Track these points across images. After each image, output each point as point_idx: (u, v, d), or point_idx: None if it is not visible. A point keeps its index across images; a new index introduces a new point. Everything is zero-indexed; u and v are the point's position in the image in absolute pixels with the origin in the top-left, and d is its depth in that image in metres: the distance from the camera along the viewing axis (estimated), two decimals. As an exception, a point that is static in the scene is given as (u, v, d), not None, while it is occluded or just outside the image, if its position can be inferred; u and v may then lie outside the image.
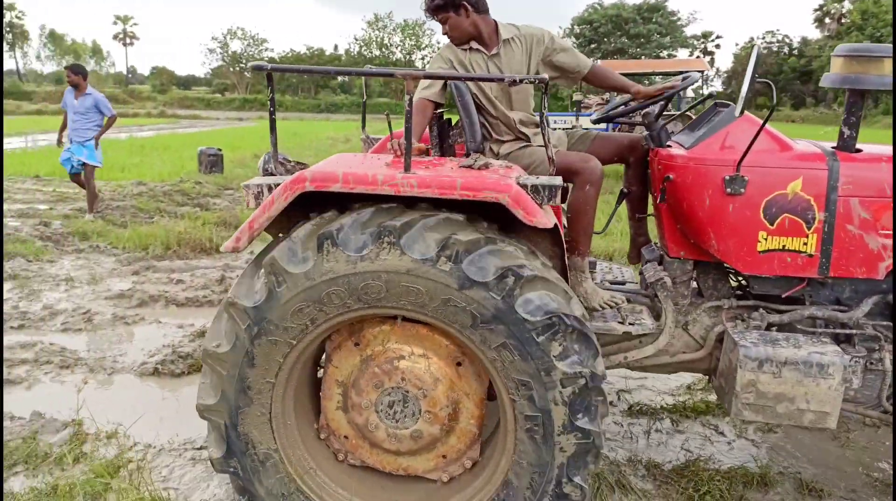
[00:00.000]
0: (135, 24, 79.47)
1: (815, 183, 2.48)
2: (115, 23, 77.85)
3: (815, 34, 56.10)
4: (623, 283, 3.10)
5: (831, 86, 2.53)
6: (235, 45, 70.27)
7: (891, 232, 2.48)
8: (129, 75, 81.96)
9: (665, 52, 59.46)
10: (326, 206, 2.21)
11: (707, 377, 3.02)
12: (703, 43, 64.08)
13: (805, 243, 2.52)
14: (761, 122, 2.67)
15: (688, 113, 9.32)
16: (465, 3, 2.81)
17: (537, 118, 2.93)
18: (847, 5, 49.46)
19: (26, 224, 7.97)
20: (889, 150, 2.70)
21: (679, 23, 55.03)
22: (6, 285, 5.70)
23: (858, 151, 2.61)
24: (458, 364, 2.28)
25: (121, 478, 2.89)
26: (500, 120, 2.83)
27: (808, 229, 2.50)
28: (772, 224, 2.52)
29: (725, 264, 2.72)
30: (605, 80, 3.06)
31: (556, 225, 2.35)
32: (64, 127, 8.55)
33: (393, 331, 2.27)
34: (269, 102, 2.22)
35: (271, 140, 2.28)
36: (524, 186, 2.14)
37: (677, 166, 2.58)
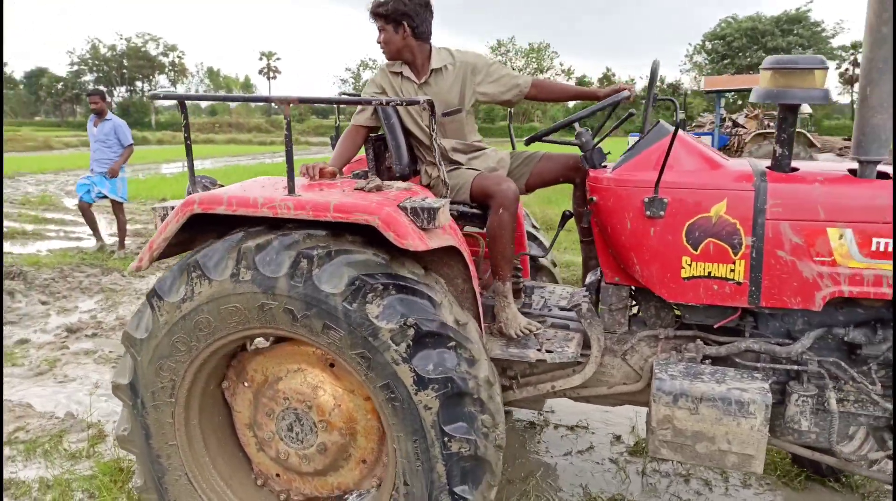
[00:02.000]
0: (278, 59, 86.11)
1: (741, 205, 2.31)
2: (260, 58, 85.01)
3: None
4: (571, 309, 3.00)
5: (759, 100, 2.35)
6: (367, 75, 74.28)
7: (827, 259, 2.25)
8: (272, 107, 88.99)
9: (808, 65, 55.01)
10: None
11: None
12: (852, 54, 58.80)
13: (732, 270, 2.35)
14: (693, 140, 2.55)
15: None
16: (405, 22, 2.76)
17: (474, 144, 2.95)
18: None
19: (136, 242, 8.94)
20: (827, 168, 2.46)
21: (824, 34, 51.07)
22: (94, 298, 6.44)
23: (795, 170, 2.40)
24: (332, 365, 2.34)
25: (117, 479, 3.18)
26: (431, 147, 2.87)
27: (735, 254, 2.33)
28: (695, 249, 2.37)
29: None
30: (552, 93, 3.01)
31: (460, 248, 2.38)
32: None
33: (267, 358, 2.39)
34: (186, 129, 2.43)
35: (188, 164, 2.50)
36: (405, 209, 2.19)
37: (600, 188, 2.50)
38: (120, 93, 73.50)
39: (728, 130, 15.71)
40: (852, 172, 2.35)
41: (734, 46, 51.63)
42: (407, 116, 2.81)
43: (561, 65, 73.31)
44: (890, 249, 2.20)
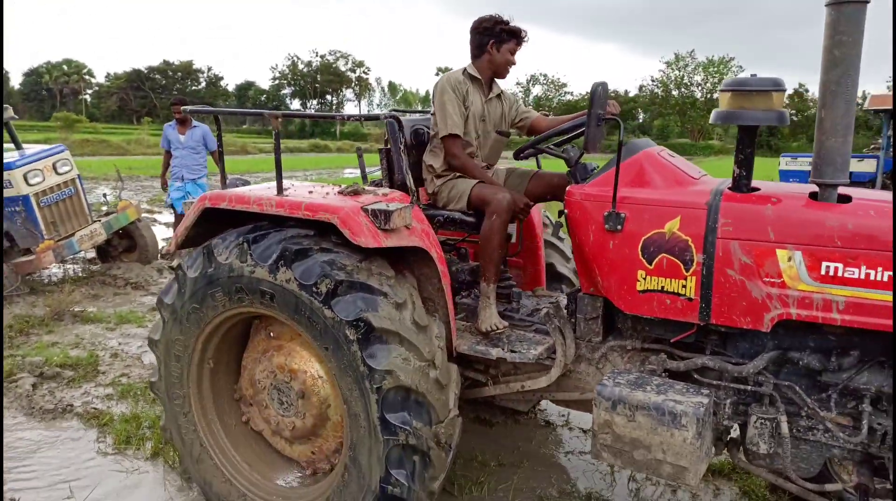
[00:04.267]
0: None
1: (693, 223, 2.36)
2: (436, 73, 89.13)
3: None
4: None
5: (716, 122, 2.37)
6: (537, 90, 74.94)
7: (776, 280, 2.23)
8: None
9: None
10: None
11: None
12: None
13: (684, 286, 2.39)
14: (664, 157, 2.62)
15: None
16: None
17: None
18: None
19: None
20: (790, 189, 2.40)
21: None
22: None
23: (755, 190, 2.38)
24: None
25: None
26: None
27: (687, 270, 2.38)
28: (650, 264, 2.45)
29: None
30: (540, 128, 3.23)
31: (429, 251, 2.67)
32: (167, 168, 7.75)
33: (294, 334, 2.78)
34: (219, 139, 3.01)
35: (219, 168, 3.06)
36: (366, 211, 2.53)
37: (571, 202, 2.65)
38: (312, 105, 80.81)
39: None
40: (813, 195, 2.29)
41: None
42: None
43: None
44: (841, 273, 2.14)
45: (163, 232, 10.00)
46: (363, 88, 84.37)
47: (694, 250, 2.35)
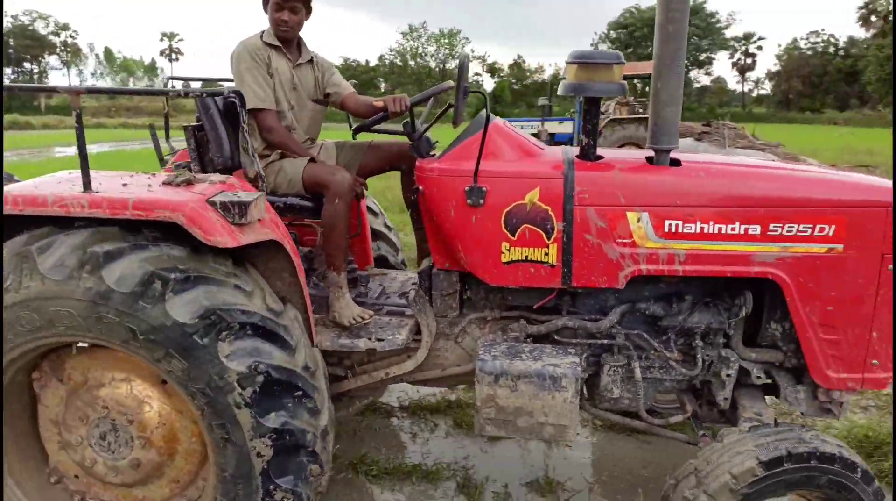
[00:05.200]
0: (180, 40, 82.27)
1: (552, 193, 2.45)
2: (161, 39, 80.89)
3: (860, 33, 53.84)
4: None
5: (564, 93, 2.49)
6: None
7: (628, 241, 2.42)
8: (171, 90, 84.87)
9: (704, 55, 58.09)
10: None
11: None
12: (744, 45, 62.30)
13: (546, 254, 2.49)
14: (511, 130, 2.66)
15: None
16: (310, 5, 2.89)
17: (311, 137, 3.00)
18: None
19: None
20: (628, 155, 2.65)
21: (718, 25, 53.73)
22: None
23: (599, 158, 2.56)
24: (164, 382, 2.29)
25: None
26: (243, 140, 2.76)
27: (549, 239, 2.47)
28: (513, 235, 2.49)
29: None
30: (356, 108, 3.07)
31: (283, 243, 2.39)
32: None
33: (92, 360, 2.31)
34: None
35: None
36: (214, 205, 2.18)
37: (426, 178, 2.57)
38: (8, 75, 68.14)
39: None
40: (649, 159, 2.53)
41: (636, 36, 53.51)
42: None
43: (472, 51, 73.69)
44: (681, 229, 2.39)
45: None
46: (73, 54, 73.36)
47: (554, 219, 2.45)
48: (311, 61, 3.05)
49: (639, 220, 2.41)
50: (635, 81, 20.02)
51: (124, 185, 2.28)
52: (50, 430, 2.43)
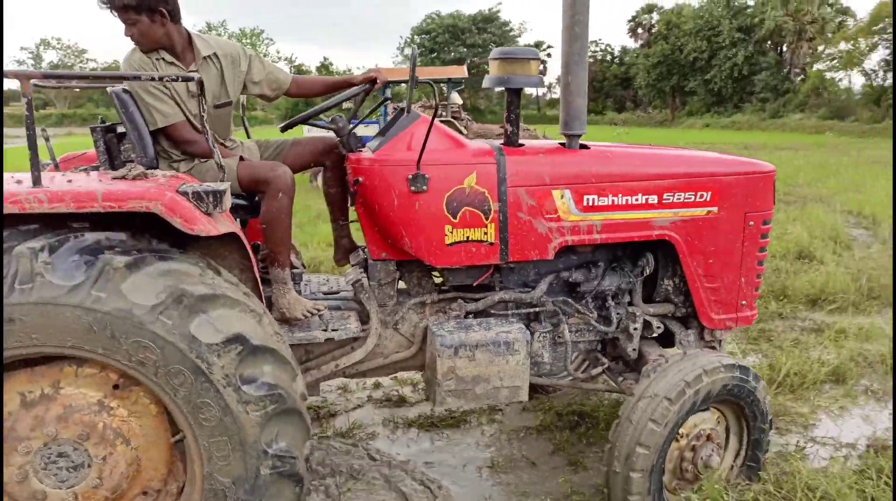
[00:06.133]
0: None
1: (488, 177, 2.69)
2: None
3: (630, 43, 61.20)
4: (338, 292, 3.16)
5: (489, 86, 2.77)
6: (51, 56, 64.36)
7: (554, 216, 2.74)
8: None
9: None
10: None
11: None
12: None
13: (486, 233, 2.73)
14: (437, 124, 2.87)
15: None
16: (161, 8, 2.60)
17: (231, 137, 2.95)
18: (655, 16, 54.77)
19: None
20: (545, 144, 3.00)
21: (512, 33, 57.65)
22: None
23: (521, 145, 2.87)
24: (116, 387, 2.14)
25: None
26: (203, 133, 2.72)
27: (487, 219, 2.71)
28: (455, 217, 2.69)
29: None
30: (311, 88, 3.11)
31: (240, 236, 2.37)
32: None
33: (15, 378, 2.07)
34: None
35: None
36: (186, 194, 2.12)
37: (365, 169, 2.68)
38: None
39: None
40: (563, 145, 2.89)
41: (438, 41, 55.60)
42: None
43: (278, 52, 71.84)
44: (597, 203, 2.77)
45: None
46: None
47: (491, 201, 2.70)
48: (210, 57, 2.84)
49: (562, 197, 2.74)
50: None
51: (69, 181, 2.11)
52: None
